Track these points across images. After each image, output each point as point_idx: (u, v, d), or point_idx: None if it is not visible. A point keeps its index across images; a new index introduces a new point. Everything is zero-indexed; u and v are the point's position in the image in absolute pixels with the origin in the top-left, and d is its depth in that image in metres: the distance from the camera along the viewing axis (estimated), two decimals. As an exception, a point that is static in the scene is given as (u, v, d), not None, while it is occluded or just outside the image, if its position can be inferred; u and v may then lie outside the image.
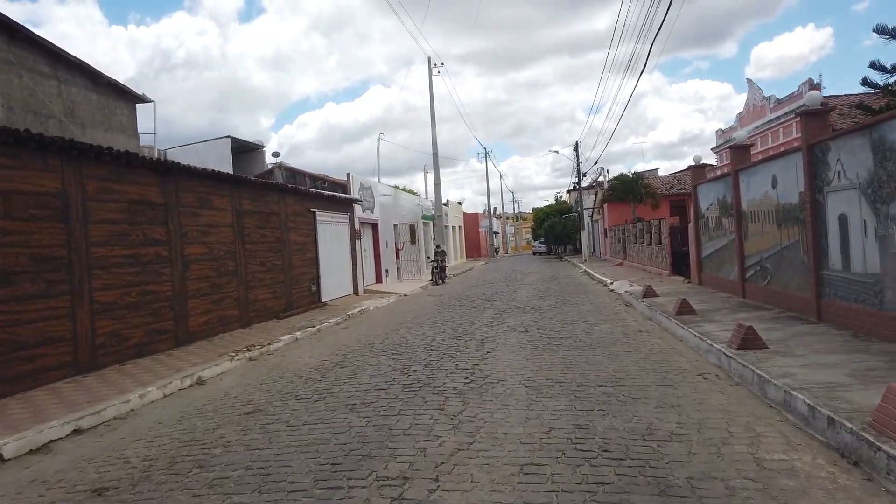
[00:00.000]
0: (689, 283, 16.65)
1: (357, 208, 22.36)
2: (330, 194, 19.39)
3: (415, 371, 8.20)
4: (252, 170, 21.57)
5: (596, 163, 33.64)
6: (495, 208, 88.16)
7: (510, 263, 47.03)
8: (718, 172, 20.42)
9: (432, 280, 27.27)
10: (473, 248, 64.28)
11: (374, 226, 25.24)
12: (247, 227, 14.14)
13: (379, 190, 26.19)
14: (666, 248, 19.86)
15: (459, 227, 53.14)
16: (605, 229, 37.84)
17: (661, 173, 47.13)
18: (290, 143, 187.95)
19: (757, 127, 21.62)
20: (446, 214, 44.70)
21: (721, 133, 26.87)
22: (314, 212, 18.01)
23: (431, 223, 36.39)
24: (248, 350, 10.85)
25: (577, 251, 62.49)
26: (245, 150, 23.90)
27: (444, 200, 48.38)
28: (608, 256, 37.11)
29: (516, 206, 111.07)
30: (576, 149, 36.81)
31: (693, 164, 16.01)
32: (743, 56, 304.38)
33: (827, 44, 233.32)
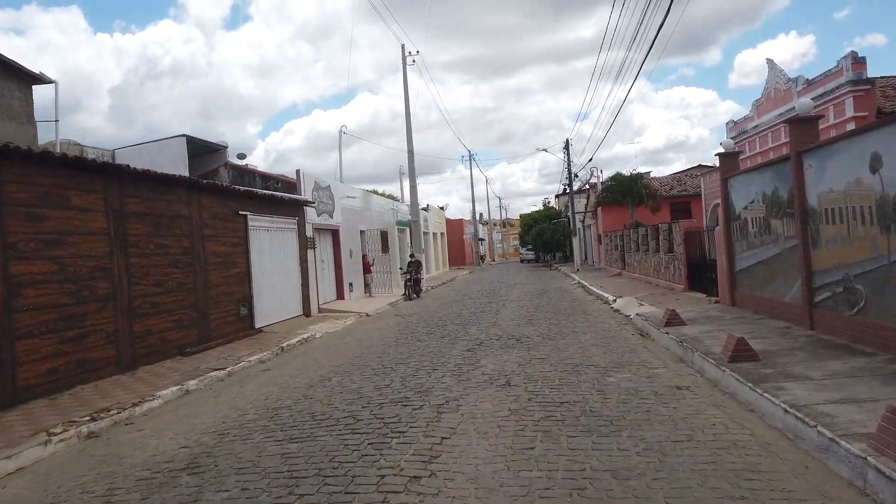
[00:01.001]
0: (716, 302, 13.20)
1: (310, 212, 18.75)
2: (269, 194, 15.76)
3: (300, 497, 4.60)
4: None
5: (590, 159, 30.54)
6: (481, 214, 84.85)
7: (496, 273, 43.51)
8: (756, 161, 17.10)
9: (405, 294, 23.68)
10: (457, 256, 60.75)
11: (335, 232, 21.63)
12: (134, 235, 10.49)
13: (341, 191, 22.59)
14: (680, 257, 16.42)
15: (442, 233, 49.61)
16: (600, 235, 34.46)
17: (653, 176, 43.94)
18: (277, 151, 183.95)
19: (780, 115, 18.22)
20: (425, 220, 41.19)
21: (733, 125, 23.51)
22: (245, 215, 14.38)
23: (408, 230, 32.82)
24: (94, 418, 7.20)
25: (568, 259, 59.10)
26: (206, 152, 20.44)
27: (423, 205, 44.93)
28: (603, 265, 33.71)
29: (503, 211, 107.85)
30: (566, 147, 33.48)
31: (722, 151, 12.55)
32: (727, 63, 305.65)
33: (809, 51, 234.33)
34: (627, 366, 8.31)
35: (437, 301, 21.80)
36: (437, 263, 45.61)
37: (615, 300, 16.52)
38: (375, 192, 36.15)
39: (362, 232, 25.12)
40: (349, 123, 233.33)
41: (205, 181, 13.19)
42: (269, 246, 15.66)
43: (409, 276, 24.18)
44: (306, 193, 18.59)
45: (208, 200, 12.88)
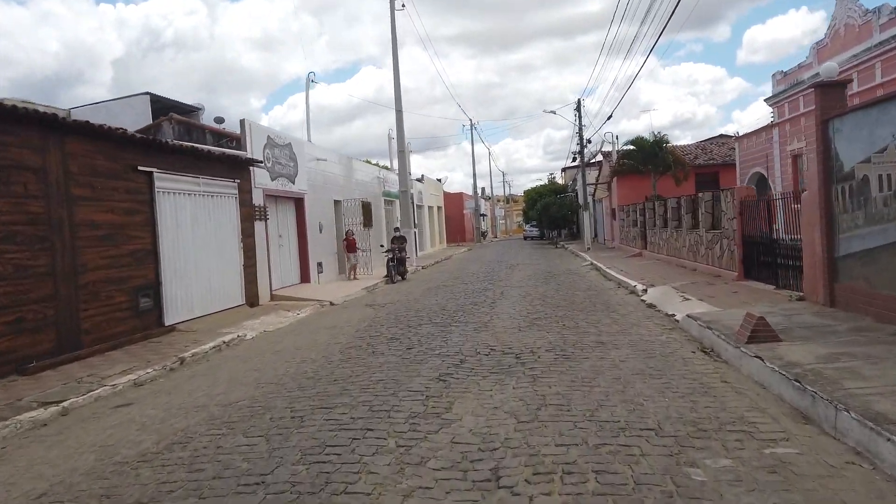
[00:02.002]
0: (799, 299, 9.40)
1: (260, 174, 14.93)
2: (189, 146, 11.88)
3: None
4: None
5: (609, 117, 26.34)
6: (483, 188, 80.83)
7: (497, 251, 39.71)
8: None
9: (387, 276, 19.96)
10: (457, 232, 56.94)
11: (298, 201, 17.82)
12: (-81, 193, 6.72)
13: (308, 152, 18.72)
14: (733, 235, 12.58)
15: (439, 207, 45.78)
16: (614, 209, 30.56)
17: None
18: (281, 125, 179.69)
19: (855, 55, 14.18)
20: (419, 192, 37.33)
21: (782, 76, 19.45)
22: (149, 172, 10.57)
23: (398, 202, 28.93)
24: None
25: (575, 236, 55.25)
26: (178, 113, 16.90)
27: (417, 175, 41.03)
28: (617, 244, 29.87)
29: (507, 187, 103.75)
30: (578, 108, 29.39)
31: (821, 80, 8.60)
32: (735, 39, 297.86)
33: (820, 27, 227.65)
34: (714, 433, 4.55)
35: (423, 285, 18.06)
36: (432, 240, 41.87)
37: (645, 290, 12.74)
38: (371, 163, 32.16)
39: (338, 202, 21.30)
40: (353, 98, 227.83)
41: (74, 120, 9.34)
42: (192, 215, 11.88)
43: (391, 255, 20.45)
44: (254, 150, 14.73)
45: (80, 147, 9.06)
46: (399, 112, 26.24)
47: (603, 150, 34.03)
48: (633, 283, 14.09)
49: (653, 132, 24.47)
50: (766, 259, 11.44)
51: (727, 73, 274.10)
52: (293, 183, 17.07)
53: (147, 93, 18.95)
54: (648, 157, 24.48)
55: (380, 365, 7.52)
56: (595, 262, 21.99)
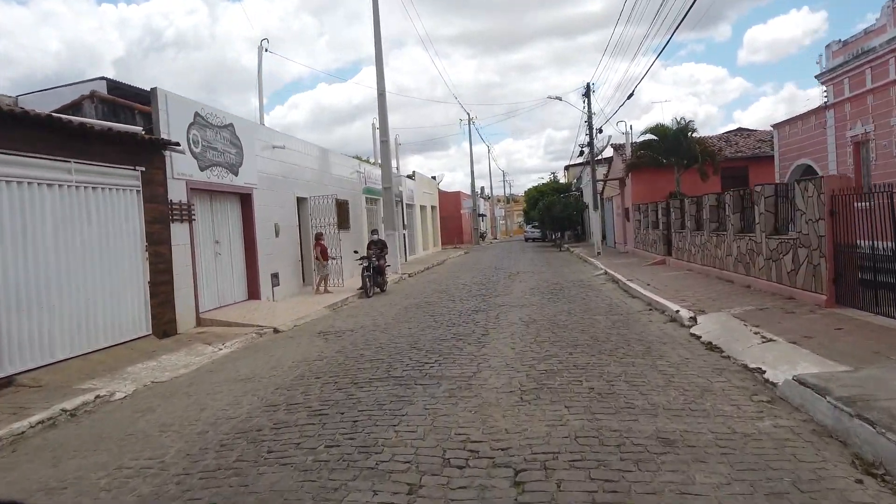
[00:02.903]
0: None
1: (183, 161, 11.43)
2: (42, 116, 8.26)
3: None
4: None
5: (624, 101, 22.93)
6: (482, 188, 77.34)
7: (496, 254, 36.22)
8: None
9: (362, 289, 16.51)
10: (454, 234, 53.44)
11: (244, 198, 14.33)
12: None
13: (260, 137, 15.20)
14: (818, 243, 9.05)
15: (433, 207, 42.26)
16: (627, 209, 27.04)
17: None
18: (282, 125, 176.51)
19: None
20: (411, 190, 33.83)
21: (840, 46, 15.94)
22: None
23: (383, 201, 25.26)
24: None
25: (579, 238, 51.69)
26: (140, 101, 13.48)
27: (408, 171, 37.56)
28: (630, 248, 26.36)
29: (507, 186, 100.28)
30: (587, 94, 25.84)
31: None
32: (736, 40, 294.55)
33: (821, 27, 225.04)
34: None
35: (401, 302, 14.58)
36: (425, 242, 38.39)
37: (694, 318, 9.25)
38: (362, 160, 28.57)
39: (303, 200, 17.80)
40: (354, 98, 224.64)
41: None
42: (58, 216, 8.37)
43: (367, 263, 16.98)
44: (171, 129, 11.21)
45: None
46: (381, 95, 22.76)
47: (613, 143, 30.51)
48: (671, 305, 10.57)
49: (676, 118, 21.00)
50: (873, 278, 7.93)
51: (728, 73, 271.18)
52: (235, 175, 13.57)
53: (103, 77, 15.82)
54: (671, 147, 20.95)
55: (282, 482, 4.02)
56: (610, 270, 18.49)
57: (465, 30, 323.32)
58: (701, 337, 8.23)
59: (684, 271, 16.22)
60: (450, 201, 54.55)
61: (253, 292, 14.33)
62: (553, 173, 76.07)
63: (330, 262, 17.17)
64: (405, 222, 31.69)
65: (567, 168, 68.84)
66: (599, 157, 39.84)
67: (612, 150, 30.78)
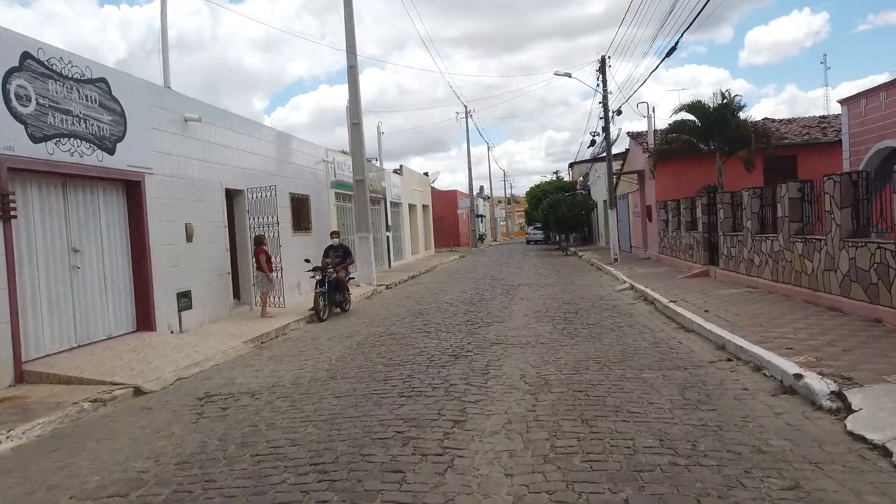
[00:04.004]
0: None
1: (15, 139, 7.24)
2: None
3: None
4: None
5: (650, 72, 18.85)
6: (481, 187, 73.13)
7: (494, 259, 31.97)
8: None
9: (314, 311, 12.43)
10: (449, 235, 49.25)
11: (132, 187, 10.09)
12: None
13: (162, 102, 10.94)
14: None
15: (425, 206, 38.05)
16: (649, 207, 22.83)
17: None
18: (284, 126, 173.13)
19: None
20: (395, 186, 29.57)
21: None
22: None
23: (378, 200, 20.89)
24: None
25: (586, 240, 47.45)
26: None
27: (395, 166, 33.30)
28: (654, 253, 22.15)
29: (508, 185, 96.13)
30: (601, 68, 21.46)
31: None
32: (738, 41, 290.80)
33: (823, 28, 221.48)
34: None
35: (356, 334, 10.36)
36: (415, 246, 34.17)
37: (838, 393, 5.03)
38: (345, 153, 24.40)
39: (237, 193, 13.61)
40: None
41: None
42: None
43: (321, 276, 12.86)
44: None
45: None
46: (352, 68, 18.56)
47: (630, 131, 26.27)
48: (775, 360, 6.31)
49: (721, 90, 16.66)
50: None
51: (730, 75, 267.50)
52: (110, 152, 9.35)
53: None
54: (710, 129, 16.69)
55: None
56: (637, 284, 14.29)
57: (466, 31, 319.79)
58: (878, 444, 4.03)
59: (745, 289, 11.99)
60: (445, 201, 50.35)
61: (145, 320, 10.11)
62: (556, 172, 71.98)
63: (273, 274, 12.99)
64: (389, 223, 27.49)
65: (572, 165, 64.45)
66: (598, 154, 35.69)
67: (628, 140, 26.54)
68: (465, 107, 52.49)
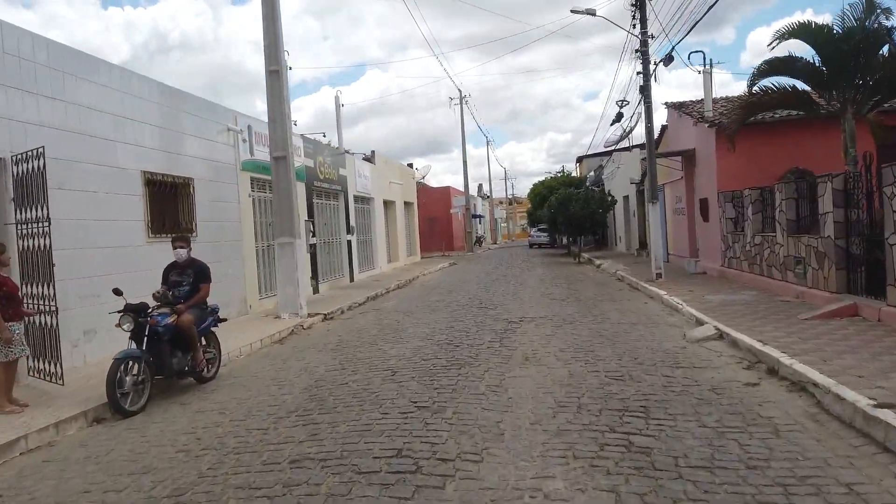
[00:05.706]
0: None
1: None
2: None
3: None
4: None
5: (680, 39, 13.63)
6: (480, 185, 66.74)
7: (491, 268, 25.35)
8: None
9: (110, 398, 6.03)
10: (441, 239, 42.92)
11: None
12: None
13: None
14: None
15: (408, 203, 31.62)
16: (704, 200, 16.36)
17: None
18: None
19: None
20: (364, 177, 23.10)
21: None
22: None
23: (307, 186, 14.36)
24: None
25: (600, 244, 40.93)
26: None
27: (367, 152, 26.85)
28: (715, 265, 15.69)
29: (510, 186, 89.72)
30: (639, 3, 14.95)
31: None
32: (740, 43, 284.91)
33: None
34: None
35: (172, 465, 3.94)
36: (393, 252, 27.75)
37: None
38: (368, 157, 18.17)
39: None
40: (357, 99, 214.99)
41: None
42: None
43: (130, 326, 6.54)
44: None
45: None
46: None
47: (668, 101, 19.78)
48: None
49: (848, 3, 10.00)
50: None
51: (732, 77, 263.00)
52: None
53: None
54: (844, 64, 9.95)
55: None
56: (735, 332, 7.86)
57: (469, 33, 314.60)
58: None
59: None
60: (436, 198, 44.00)
61: None
62: (563, 167, 65.38)
63: (45, 316, 6.64)
64: (352, 223, 21.07)
65: (580, 160, 57.96)
66: (628, 146, 29.15)
67: (666, 111, 20.03)
68: (460, 91, 46.09)
